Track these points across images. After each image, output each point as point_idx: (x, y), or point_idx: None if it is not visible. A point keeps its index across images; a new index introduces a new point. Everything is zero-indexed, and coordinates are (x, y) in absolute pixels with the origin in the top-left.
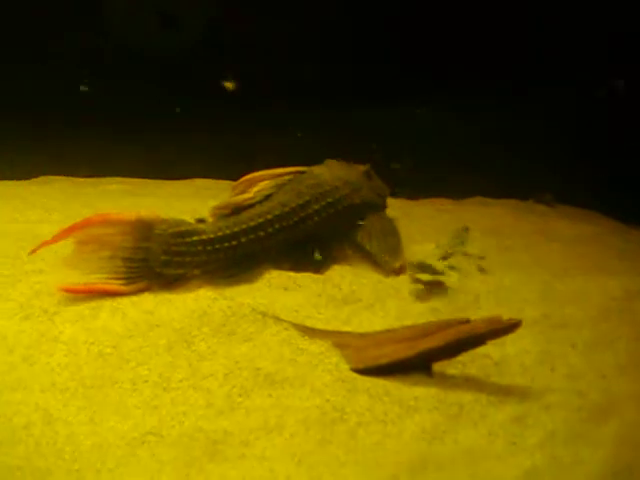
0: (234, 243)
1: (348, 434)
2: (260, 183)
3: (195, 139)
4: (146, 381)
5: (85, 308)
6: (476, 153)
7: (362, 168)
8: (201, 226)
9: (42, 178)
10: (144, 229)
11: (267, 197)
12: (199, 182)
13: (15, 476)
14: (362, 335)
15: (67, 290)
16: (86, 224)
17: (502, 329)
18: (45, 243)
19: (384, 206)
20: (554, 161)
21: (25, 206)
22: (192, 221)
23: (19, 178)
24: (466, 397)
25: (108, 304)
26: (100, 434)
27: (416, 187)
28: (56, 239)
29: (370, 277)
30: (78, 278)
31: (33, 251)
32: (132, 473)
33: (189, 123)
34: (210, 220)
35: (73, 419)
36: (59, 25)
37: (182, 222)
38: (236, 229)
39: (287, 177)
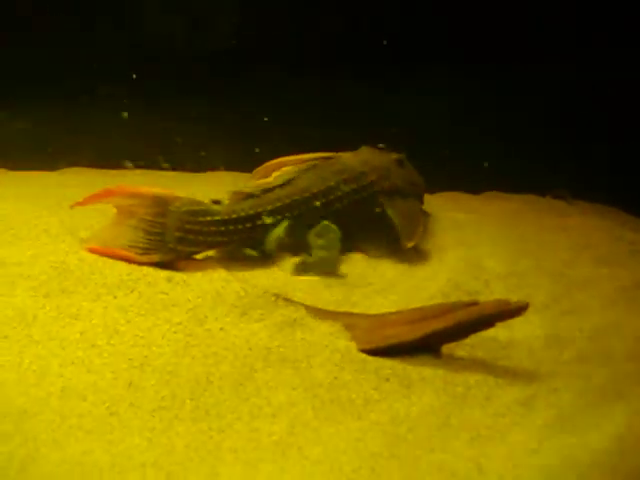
0: (248, 225)
1: (355, 413)
2: (283, 168)
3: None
4: (159, 357)
5: (102, 288)
6: (490, 149)
7: (394, 156)
8: (216, 207)
9: (73, 169)
10: (161, 204)
11: (289, 181)
12: (223, 174)
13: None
14: (371, 316)
15: (93, 250)
16: (107, 194)
17: (510, 311)
18: (78, 203)
19: (418, 196)
20: (572, 156)
21: (44, 192)
22: (208, 202)
23: (48, 169)
24: (473, 379)
25: (125, 285)
26: (112, 408)
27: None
28: (86, 202)
29: (382, 263)
30: (107, 242)
31: (72, 206)
32: (143, 444)
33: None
34: (226, 202)
35: (87, 392)
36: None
37: (197, 202)
38: (251, 212)
39: (312, 162)
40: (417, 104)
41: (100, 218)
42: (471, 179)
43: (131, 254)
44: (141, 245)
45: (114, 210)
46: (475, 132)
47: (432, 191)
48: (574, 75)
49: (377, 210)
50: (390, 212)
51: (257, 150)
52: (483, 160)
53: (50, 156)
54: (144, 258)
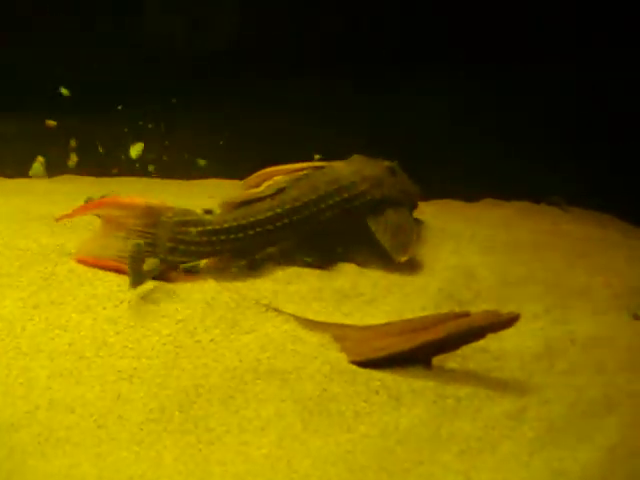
0: (240, 235)
1: (344, 425)
2: (274, 177)
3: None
4: (149, 368)
5: (92, 299)
6: (486, 154)
7: (386, 164)
8: (207, 217)
9: (64, 176)
10: (152, 215)
11: (280, 191)
12: (213, 182)
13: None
14: (362, 328)
15: (81, 261)
16: (98, 205)
17: (501, 323)
18: (65, 215)
19: (411, 204)
20: (567, 163)
21: (34, 200)
22: (200, 212)
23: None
24: (463, 390)
25: (114, 296)
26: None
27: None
28: (75, 214)
29: (374, 273)
30: (96, 253)
31: (59, 219)
32: (131, 457)
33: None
34: (218, 212)
35: (75, 405)
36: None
37: (188, 212)
38: (243, 222)
39: (303, 172)
40: (413, 110)
41: (90, 229)
42: (466, 187)
43: (122, 265)
44: None
45: (99, 221)
46: (470, 139)
47: (426, 198)
48: (573, 78)
49: (368, 220)
50: (374, 228)
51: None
52: (478, 167)
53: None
54: None
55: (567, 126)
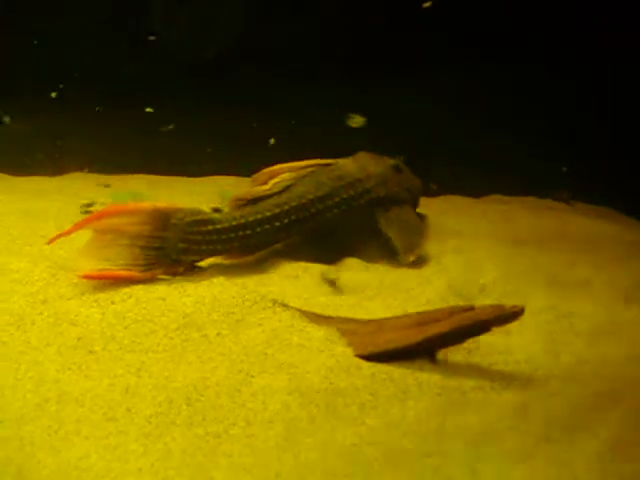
0: (248, 232)
1: (351, 418)
2: (281, 175)
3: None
4: (156, 362)
5: (100, 294)
6: (493, 150)
7: (391, 161)
8: (217, 215)
9: (73, 174)
10: (161, 219)
11: (287, 188)
12: (221, 179)
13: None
14: (367, 322)
15: (86, 276)
16: (104, 215)
17: (506, 316)
18: (62, 234)
19: (415, 201)
20: (574, 159)
21: (43, 200)
22: (208, 210)
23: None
24: (469, 384)
25: (122, 290)
26: (109, 413)
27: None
28: (74, 229)
29: (379, 268)
30: (97, 265)
31: (51, 241)
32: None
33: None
34: (226, 210)
35: (84, 398)
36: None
37: (198, 211)
38: (251, 219)
39: (310, 169)
40: (418, 107)
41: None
42: (473, 183)
43: (132, 273)
44: (141, 262)
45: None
46: (476, 135)
47: (432, 195)
48: (575, 77)
49: (375, 218)
50: (383, 227)
51: (255, 154)
52: (485, 164)
53: (52, 161)
54: (147, 275)
55: (570, 125)
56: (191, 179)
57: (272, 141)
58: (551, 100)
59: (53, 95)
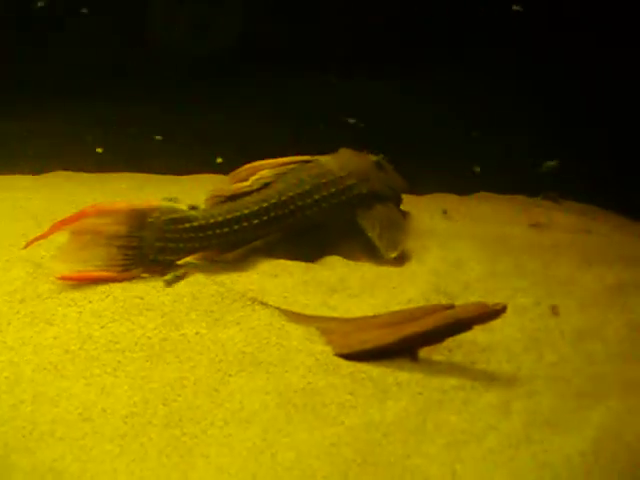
0: (226, 230)
1: (329, 418)
2: (261, 172)
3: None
4: (133, 362)
5: (78, 293)
6: (482, 148)
7: (373, 158)
8: (194, 213)
9: (55, 173)
10: (138, 218)
11: (266, 185)
12: (205, 177)
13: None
14: (347, 320)
15: (64, 278)
16: (81, 216)
17: (487, 314)
18: (39, 237)
19: (397, 199)
20: (565, 157)
21: (31, 197)
22: (185, 208)
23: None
24: (450, 383)
25: (100, 289)
26: (85, 414)
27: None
28: (51, 231)
29: (361, 266)
30: (75, 267)
31: (28, 244)
32: (115, 450)
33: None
34: (204, 207)
35: (59, 398)
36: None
37: (175, 209)
38: (229, 216)
39: (291, 166)
40: (409, 103)
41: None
42: (462, 181)
43: (111, 274)
44: (119, 262)
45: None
46: (466, 133)
47: (421, 192)
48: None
49: (356, 215)
50: (363, 225)
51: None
52: (474, 161)
53: (34, 160)
54: (125, 275)
55: (562, 123)
56: (173, 177)
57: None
58: (542, 97)
59: (35, 93)
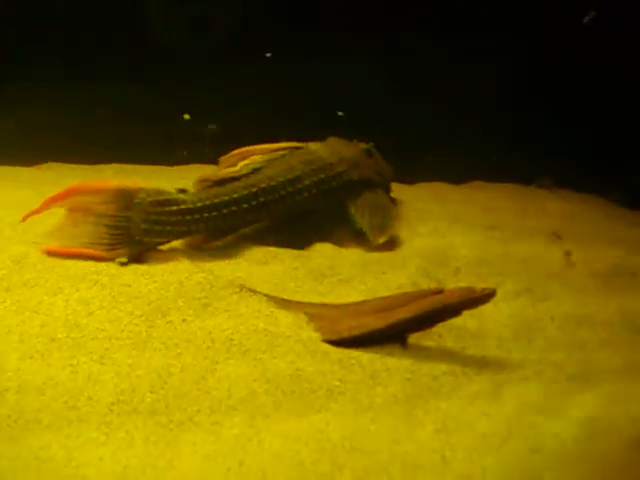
0: (214, 214)
1: (317, 404)
2: (251, 157)
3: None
4: (120, 349)
5: (65, 281)
6: (477, 138)
7: (363, 146)
8: (181, 196)
9: (47, 164)
10: (125, 198)
11: (256, 170)
12: (197, 168)
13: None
14: (336, 306)
15: (52, 252)
16: (68, 193)
17: (476, 299)
18: (33, 212)
19: (386, 186)
20: (559, 147)
21: (21, 188)
22: (173, 191)
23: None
24: (440, 368)
25: (88, 277)
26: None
27: (415, 171)
28: (44, 207)
29: (350, 252)
30: (66, 243)
31: (25, 218)
32: (101, 438)
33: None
34: (192, 191)
35: (45, 387)
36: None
37: (162, 192)
38: (217, 200)
39: (281, 152)
40: (402, 92)
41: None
42: (457, 170)
43: (96, 251)
44: (106, 241)
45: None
46: (462, 122)
47: (415, 181)
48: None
49: (345, 201)
50: (352, 211)
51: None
52: (467, 150)
53: (27, 152)
54: (111, 254)
55: (558, 112)
56: (165, 168)
57: None
58: (536, 87)
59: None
